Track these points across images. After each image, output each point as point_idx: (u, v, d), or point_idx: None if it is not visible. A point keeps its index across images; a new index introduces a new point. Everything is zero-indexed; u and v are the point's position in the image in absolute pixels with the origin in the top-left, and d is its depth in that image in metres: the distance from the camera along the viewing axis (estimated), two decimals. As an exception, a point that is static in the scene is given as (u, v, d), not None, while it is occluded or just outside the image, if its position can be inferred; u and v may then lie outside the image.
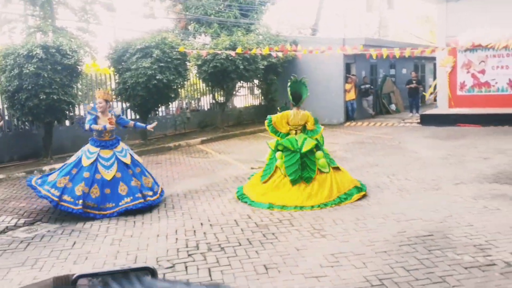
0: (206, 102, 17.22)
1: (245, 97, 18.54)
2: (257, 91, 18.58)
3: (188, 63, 13.94)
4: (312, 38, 20.49)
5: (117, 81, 13.13)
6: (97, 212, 6.39)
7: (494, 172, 8.09)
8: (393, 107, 19.86)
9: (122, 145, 7.04)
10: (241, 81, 16.36)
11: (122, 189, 6.59)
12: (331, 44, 14.22)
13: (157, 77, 12.01)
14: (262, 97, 18.41)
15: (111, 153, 6.75)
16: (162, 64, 12.19)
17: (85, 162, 6.57)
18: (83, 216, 6.31)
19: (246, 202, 6.77)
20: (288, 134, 7.06)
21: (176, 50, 12.67)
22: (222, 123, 15.54)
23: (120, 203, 6.50)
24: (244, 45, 14.60)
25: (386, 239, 5.09)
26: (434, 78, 19.20)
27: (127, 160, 6.82)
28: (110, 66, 13.28)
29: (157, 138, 13.95)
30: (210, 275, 4.39)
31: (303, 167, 6.79)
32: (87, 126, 6.79)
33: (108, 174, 6.58)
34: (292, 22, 33.31)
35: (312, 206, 6.40)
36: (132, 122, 7.40)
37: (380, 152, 10.64)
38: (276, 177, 6.88)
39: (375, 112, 18.74)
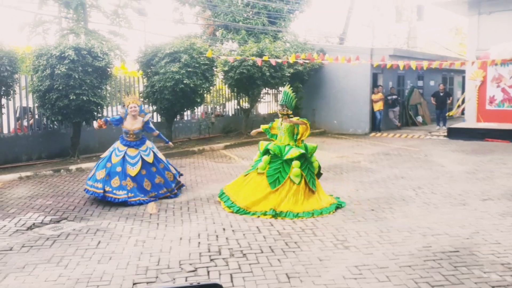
0: (230, 107, 17.31)
1: (269, 104, 18.57)
2: (282, 98, 18.56)
3: (215, 69, 14.06)
4: (339, 47, 20.41)
5: (145, 84, 13.33)
6: (134, 199, 7.27)
7: (524, 189, 7.88)
8: (419, 119, 19.59)
9: (147, 144, 7.76)
10: (266, 88, 16.39)
11: (147, 184, 7.46)
12: (359, 54, 14.14)
13: (185, 82, 12.14)
14: (287, 105, 18.36)
15: (136, 152, 7.53)
16: (189, 69, 12.31)
17: (114, 159, 7.40)
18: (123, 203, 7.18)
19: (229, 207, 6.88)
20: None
21: (204, 55, 12.78)
22: (246, 129, 15.59)
23: (148, 195, 7.45)
24: (271, 52, 14.64)
25: (411, 253, 5.01)
26: (463, 91, 18.85)
27: (150, 159, 7.58)
28: (139, 69, 13.50)
29: (182, 141, 14.08)
30: (232, 281, 4.38)
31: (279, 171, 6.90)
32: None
33: (132, 171, 7.37)
34: (320, 30, 33.27)
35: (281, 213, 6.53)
36: (157, 132, 8.01)
37: (406, 164, 10.49)
38: (253, 176, 7.04)
39: (401, 123, 18.52)
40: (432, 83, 20.92)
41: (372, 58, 15.69)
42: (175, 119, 13.90)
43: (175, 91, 12.22)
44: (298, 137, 7.13)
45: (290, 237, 5.63)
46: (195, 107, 14.01)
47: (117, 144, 7.64)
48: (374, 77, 17.30)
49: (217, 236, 5.72)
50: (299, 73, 16.16)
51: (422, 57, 18.04)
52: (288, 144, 7.06)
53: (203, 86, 12.83)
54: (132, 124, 7.59)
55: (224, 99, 17.05)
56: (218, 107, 17.09)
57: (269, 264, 4.79)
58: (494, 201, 7.19)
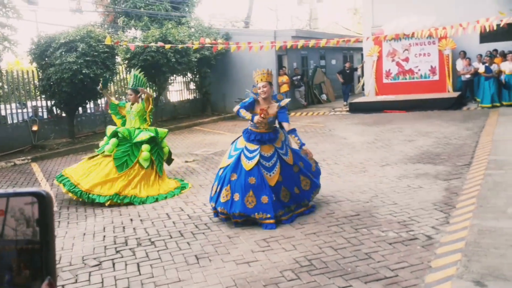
0: (138, 97, 16.76)
1: (180, 92, 18.25)
2: (193, 86, 18.34)
3: (117, 57, 13.48)
4: (244, 31, 20.52)
5: (40, 77, 12.47)
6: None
7: (418, 153, 8.49)
8: (324, 97, 20.32)
9: (281, 137, 5.41)
10: (174, 75, 16.07)
11: (284, 194, 5.26)
12: (263, 37, 14.32)
13: (83, 72, 11.53)
14: (197, 91, 18.21)
15: (272, 151, 5.24)
16: (88, 58, 11.71)
17: (247, 165, 5.13)
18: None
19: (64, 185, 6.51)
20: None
21: (103, 43, 12.20)
22: (155, 118, 15.20)
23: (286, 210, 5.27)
24: (175, 37, 14.34)
25: (316, 221, 5.19)
26: (362, 68, 19.76)
27: (289, 160, 5.32)
28: (32, 61, 12.59)
29: (86, 136, 13.41)
30: (138, 270, 4.26)
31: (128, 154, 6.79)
32: (236, 109, 5.42)
33: (271, 179, 5.14)
34: (225, 15, 33.19)
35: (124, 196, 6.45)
36: (288, 125, 5.25)
37: (312, 139, 10.85)
38: (99, 158, 6.77)
39: (307, 102, 19.09)
40: (334, 62, 21.76)
41: (275, 40, 15.94)
42: (77, 112, 13.19)
43: (74, 82, 11.57)
44: (148, 109, 7.01)
45: (200, 220, 5.60)
46: (97, 98, 13.39)
47: (242, 143, 5.36)
48: (279, 59, 17.62)
49: (123, 227, 5.53)
50: (206, 58, 16.02)
51: (323, 37, 18.63)
52: (139, 128, 6.98)
53: (104, 75, 12.28)
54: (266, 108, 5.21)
55: (129, 89, 16.47)
56: (123, 97, 16.48)
57: (178, 248, 4.73)
58: (391, 166, 7.67)
